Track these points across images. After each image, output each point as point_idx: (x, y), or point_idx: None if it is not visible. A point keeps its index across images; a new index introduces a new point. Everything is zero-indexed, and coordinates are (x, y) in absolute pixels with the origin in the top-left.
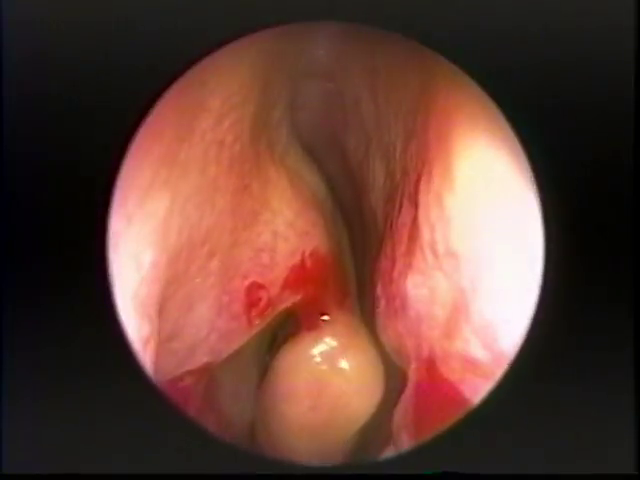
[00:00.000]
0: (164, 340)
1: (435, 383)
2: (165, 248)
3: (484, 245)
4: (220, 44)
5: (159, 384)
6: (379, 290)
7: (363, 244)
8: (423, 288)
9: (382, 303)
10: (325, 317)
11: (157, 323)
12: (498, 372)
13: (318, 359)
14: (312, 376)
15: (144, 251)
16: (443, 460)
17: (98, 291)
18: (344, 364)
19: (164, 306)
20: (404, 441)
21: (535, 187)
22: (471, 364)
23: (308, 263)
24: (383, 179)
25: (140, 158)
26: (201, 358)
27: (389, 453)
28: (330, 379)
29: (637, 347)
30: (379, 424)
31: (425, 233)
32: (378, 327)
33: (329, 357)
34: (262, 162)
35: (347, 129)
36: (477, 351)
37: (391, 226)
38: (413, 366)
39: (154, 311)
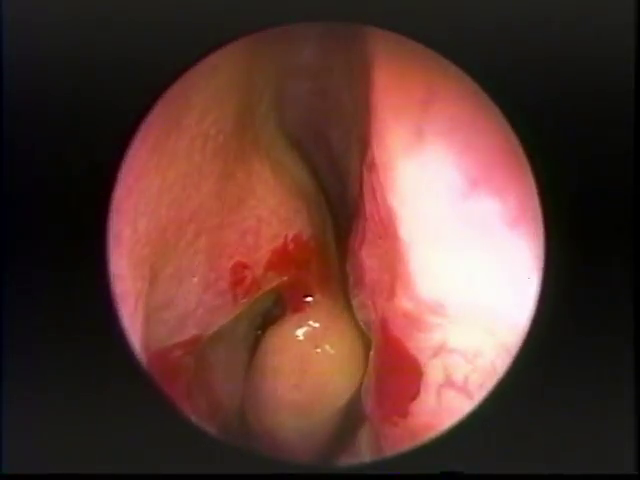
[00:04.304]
0: (155, 309)
1: (388, 344)
2: (158, 218)
3: (425, 199)
4: (218, 45)
5: (150, 355)
6: (348, 266)
7: (346, 230)
8: (373, 257)
9: (351, 279)
10: (309, 298)
11: (148, 287)
12: (432, 321)
13: (302, 339)
14: (296, 356)
15: (139, 219)
16: (443, 460)
17: (98, 290)
18: (326, 345)
19: (156, 277)
20: (369, 406)
21: (535, 186)
22: (410, 319)
23: (290, 246)
24: (359, 166)
25: (137, 145)
26: (190, 330)
27: (364, 432)
28: (313, 359)
29: (637, 347)
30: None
31: (370, 202)
32: (354, 306)
33: (312, 338)
34: (247, 154)
35: (331, 123)
36: (408, 303)
37: (359, 204)
38: (373, 333)
39: (147, 271)
